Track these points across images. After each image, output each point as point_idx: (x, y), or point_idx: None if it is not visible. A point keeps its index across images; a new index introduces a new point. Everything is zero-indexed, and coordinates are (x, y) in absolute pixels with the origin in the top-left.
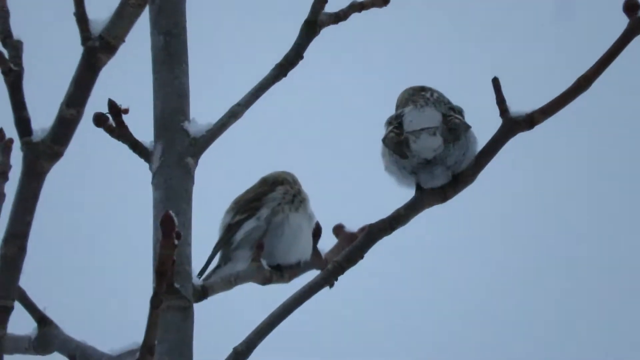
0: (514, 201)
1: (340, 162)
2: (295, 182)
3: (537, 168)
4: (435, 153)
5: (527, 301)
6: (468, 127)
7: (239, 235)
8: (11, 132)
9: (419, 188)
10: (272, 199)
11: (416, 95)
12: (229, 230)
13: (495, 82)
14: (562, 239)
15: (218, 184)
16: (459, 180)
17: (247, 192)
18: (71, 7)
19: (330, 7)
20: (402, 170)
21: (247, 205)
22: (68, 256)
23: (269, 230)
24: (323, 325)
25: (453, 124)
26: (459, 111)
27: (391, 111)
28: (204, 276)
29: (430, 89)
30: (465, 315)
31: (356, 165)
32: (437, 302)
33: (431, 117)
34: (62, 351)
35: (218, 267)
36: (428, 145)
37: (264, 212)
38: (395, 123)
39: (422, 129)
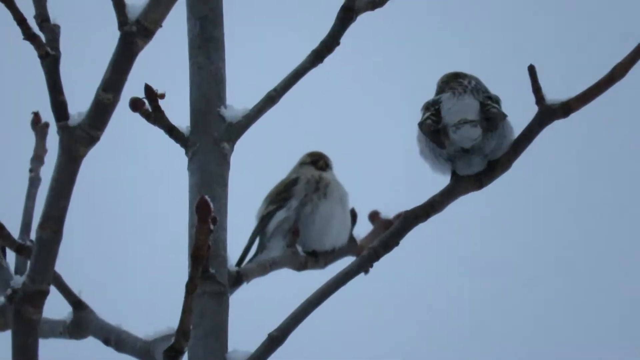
0: (550, 188)
1: (376, 149)
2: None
3: (572, 157)
4: (474, 143)
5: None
6: (505, 116)
7: (272, 225)
8: (47, 116)
9: (454, 175)
10: (298, 190)
11: (453, 82)
12: (263, 220)
13: (531, 70)
14: (599, 229)
15: (254, 170)
16: (495, 167)
17: (281, 182)
18: None
19: None
20: (437, 157)
21: (277, 196)
22: (104, 241)
23: (300, 219)
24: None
25: (491, 113)
26: (496, 100)
27: (429, 97)
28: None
29: (467, 76)
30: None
31: (392, 152)
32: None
33: (469, 106)
34: (97, 336)
35: (255, 256)
36: (468, 136)
37: (294, 203)
38: (433, 110)
39: (465, 122)
